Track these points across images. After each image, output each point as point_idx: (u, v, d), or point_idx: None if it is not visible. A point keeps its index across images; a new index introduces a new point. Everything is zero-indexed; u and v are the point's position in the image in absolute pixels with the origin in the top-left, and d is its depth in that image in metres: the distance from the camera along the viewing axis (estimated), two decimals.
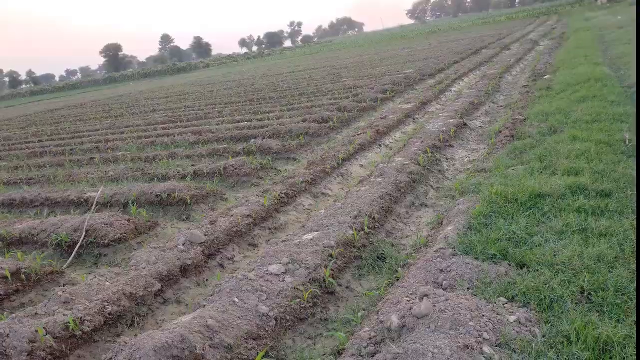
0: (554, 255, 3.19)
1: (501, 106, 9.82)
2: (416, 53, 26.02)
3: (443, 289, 2.96)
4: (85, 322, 3.46)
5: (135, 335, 3.48)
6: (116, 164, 9.59)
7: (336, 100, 13.04)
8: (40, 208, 7.28)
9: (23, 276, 4.54)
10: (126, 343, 2.79)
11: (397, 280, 3.47)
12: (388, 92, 12.66)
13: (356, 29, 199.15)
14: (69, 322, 3.38)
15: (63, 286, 4.45)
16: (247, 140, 9.57)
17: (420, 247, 3.96)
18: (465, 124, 8.07)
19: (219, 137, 10.37)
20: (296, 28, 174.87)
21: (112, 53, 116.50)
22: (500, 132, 7.10)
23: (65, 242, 5.41)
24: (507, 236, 3.50)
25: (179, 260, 4.28)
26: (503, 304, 2.72)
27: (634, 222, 3.43)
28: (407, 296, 2.85)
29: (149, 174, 8.09)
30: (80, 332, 3.38)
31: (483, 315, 2.55)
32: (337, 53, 46.42)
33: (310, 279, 3.54)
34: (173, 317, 3.75)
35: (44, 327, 3.30)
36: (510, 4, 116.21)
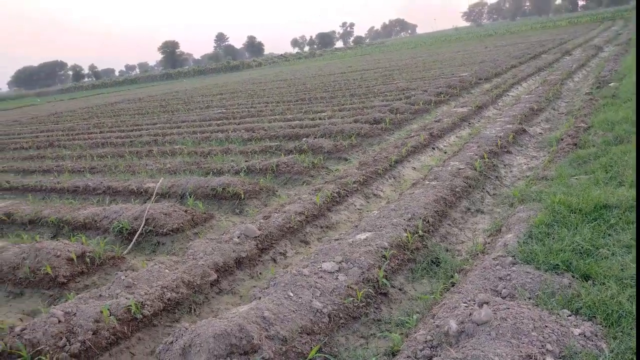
0: (622, 269, 3.05)
1: (562, 113, 9.45)
2: (472, 56, 25.44)
3: (502, 298, 2.89)
4: (146, 306, 3.61)
5: (193, 322, 3.60)
6: (173, 157, 9.92)
7: (388, 102, 12.95)
8: (102, 196, 7.63)
9: (88, 259, 4.78)
10: (186, 329, 2.89)
11: (453, 285, 3.42)
12: (442, 95, 12.46)
13: (409, 31, 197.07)
14: (131, 306, 3.53)
15: (125, 271, 4.66)
16: (298, 139, 9.68)
17: (477, 254, 3.88)
18: (524, 130, 7.82)
19: (271, 135, 10.53)
20: (348, 29, 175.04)
21: (170, 50, 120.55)
22: (562, 140, 6.84)
23: (126, 229, 5.65)
24: (571, 247, 3.37)
25: (234, 252, 4.39)
26: (567, 316, 2.63)
27: None
28: (465, 302, 2.80)
29: (205, 168, 8.32)
30: (141, 315, 3.53)
31: (546, 326, 2.47)
32: (389, 54, 46.08)
33: (363, 279, 3.54)
34: (228, 307, 3.85)
35: (108, 309, 3.46)
36: (573, 8, 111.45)
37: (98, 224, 6.00)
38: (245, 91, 25.86)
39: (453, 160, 6.40)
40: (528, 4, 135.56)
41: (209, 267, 4.14)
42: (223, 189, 6.56)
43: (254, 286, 4.16)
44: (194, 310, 3.80)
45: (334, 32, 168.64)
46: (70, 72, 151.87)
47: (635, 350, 2.25)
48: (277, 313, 3.00)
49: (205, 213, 5.96)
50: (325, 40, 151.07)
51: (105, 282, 4.64)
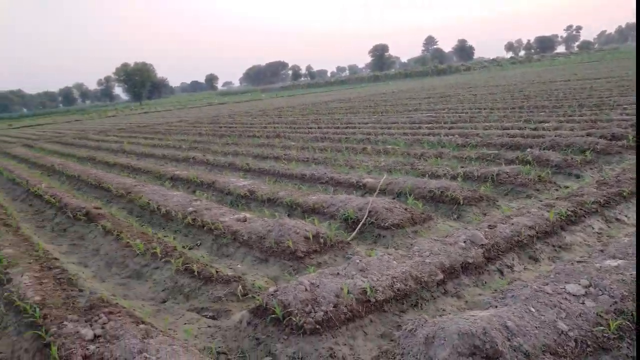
0: None
1: None
2: None
3: None
4: (378, 292, 3.86)
5: (419, 315, 3.73)
6: (387, 156, 10.32)
7: (629, 116, 11.32)
8: (325, 185, 8.36)
9: (321, 240, 5.32)
10: (426, 320, 3.01)
11: None
12: None
13: None
14: (366, 288, 3.82)
15: (355, 256, 5.06)
16: (519, 149, 9.15)
17: None
18: None
19: (487, 142, 10.17)
20: (574, 33, 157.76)
21: (379, 53, 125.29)
22: None
23: (351, 218, 6.10)
24: None
25: (460, 256, 4.39)
26: None
27: None
28: None
29: (419, 169, 8.46)
30: (374, 299, 3.79)
31: None
32: (625, 62, 40.09)
33: (615, 310, 3.20)
34: (453, 309, 3.88)
35: (347, 287, 3.80)
36: None
37: (325, 210, 6.60)
38: (454, 96, 25.42)
39: None
40: None
41: (436, 266, 4.22)
42: (441, 192, 6.59)
43: (480, 294, 4.11)
44: (421, 305, 3.92)
45: (556, 35, 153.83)
46: (290, 72, 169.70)
47: None
48: (519, 325, 2.91)
49: (423, 213, 6.08)
50: (544, 44, 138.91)
51: (334, 263, 5.11)
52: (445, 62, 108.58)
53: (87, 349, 3.55)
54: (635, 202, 5.73)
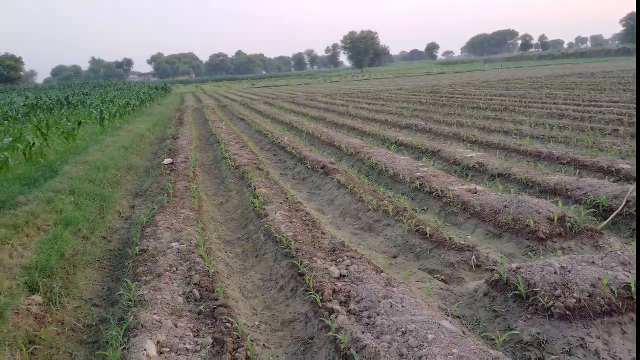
0: None
1: None
2: None
3: None
4: None
5: None
6: None
7: None
8: (566, 166, 7.55)
9: (567, 224, 4.86)
10: None
11: None
12: None
13: None
14: (630, 284, 3.37)
15: (603, 246, 4.51)
16: None
17: None
18: None
19: None
20: None
21: (633, 23, 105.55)
22: None
23: (603, 205, 5.42)
24: None
25: None
26: None
27: None
28: None
29: None
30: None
31: None
32: None
33: None
34: None
35: (606, 278, 3.41)
36: None
37: (569, 193, 5.99)
38: None
39: None
40: None
41: None
42: None
43: None
44: None
45: None
46: (519, 41, 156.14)
47: None
48: None
49: None
50: None
51: (580, 250, 4.64)
52: None
53: (335, 284, 3.96)
54: None
